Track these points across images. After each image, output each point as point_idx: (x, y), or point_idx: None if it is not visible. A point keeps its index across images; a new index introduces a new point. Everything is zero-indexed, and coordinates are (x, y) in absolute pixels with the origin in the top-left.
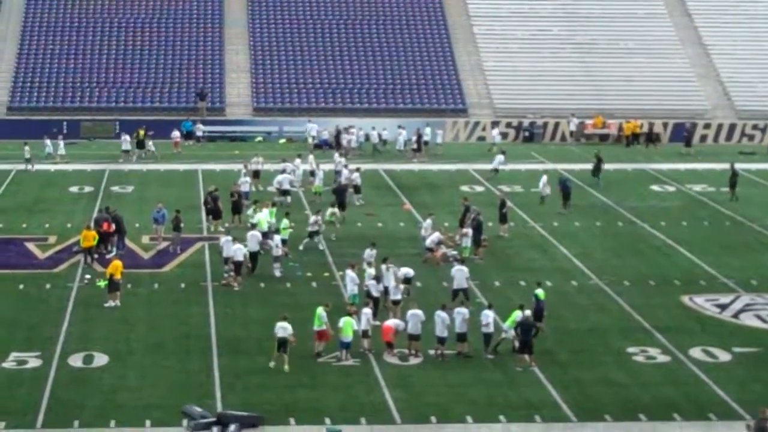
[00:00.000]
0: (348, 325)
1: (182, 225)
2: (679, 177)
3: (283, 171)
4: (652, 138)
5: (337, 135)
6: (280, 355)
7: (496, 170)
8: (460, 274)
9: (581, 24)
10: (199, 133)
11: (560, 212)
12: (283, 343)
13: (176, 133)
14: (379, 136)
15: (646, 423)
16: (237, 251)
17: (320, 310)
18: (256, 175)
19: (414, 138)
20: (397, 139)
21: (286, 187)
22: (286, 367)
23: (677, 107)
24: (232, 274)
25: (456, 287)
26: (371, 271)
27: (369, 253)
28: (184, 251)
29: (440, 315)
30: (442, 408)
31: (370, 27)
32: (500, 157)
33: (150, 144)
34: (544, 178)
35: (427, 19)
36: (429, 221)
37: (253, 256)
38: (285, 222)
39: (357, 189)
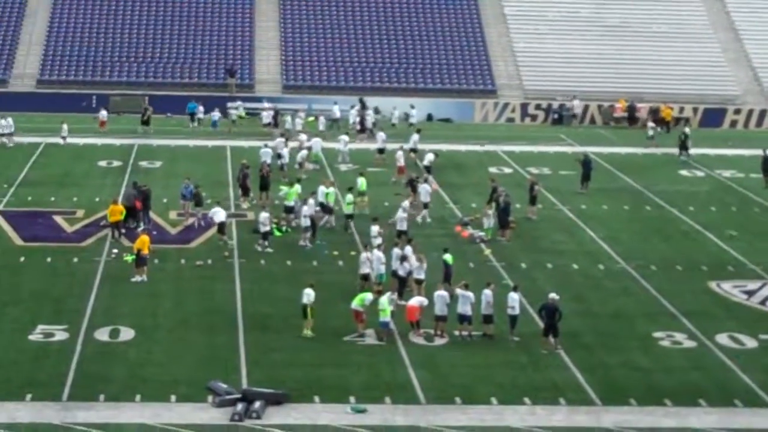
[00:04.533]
0: (386, 306)
1: (208, 201)
2: (709, 162)
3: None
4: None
5: (276, 115)
6: (307, 321)
7: (414, 150)
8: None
9: (612, 6)
10: (200, 116)
11: (580, 192)
12: (304, 309)
13: (103, 113)
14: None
15: (671, 408)
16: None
17: (380, 298)
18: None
19: (357, 118)
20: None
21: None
22: (306, 331)
23: (708, 92)
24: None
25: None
26: (398, 251)
27: (373, 228)
28: (210, 227)
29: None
30: (466, 389)
31: (401, 7)
32: (415, 137)
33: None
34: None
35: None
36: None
37: (312, 221)
38: (349, 197)
39: (428, 170)
